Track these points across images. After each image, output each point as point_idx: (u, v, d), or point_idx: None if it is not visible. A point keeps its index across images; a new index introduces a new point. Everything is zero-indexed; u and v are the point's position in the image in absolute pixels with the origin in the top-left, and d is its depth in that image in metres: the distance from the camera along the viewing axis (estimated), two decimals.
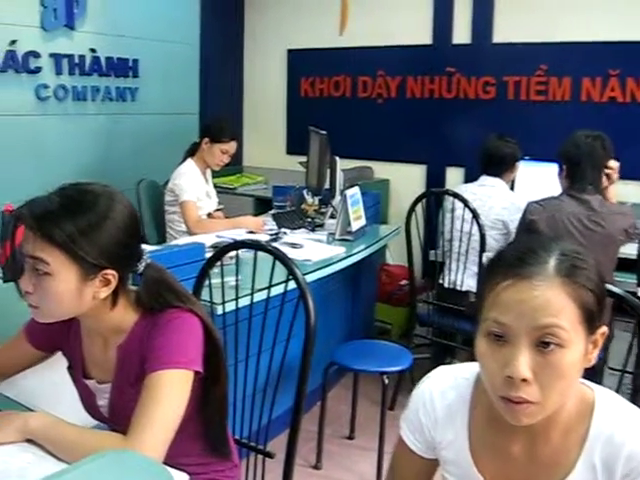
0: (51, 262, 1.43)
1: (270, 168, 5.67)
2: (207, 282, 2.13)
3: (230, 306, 2.22)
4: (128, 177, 4.54)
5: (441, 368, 1.39)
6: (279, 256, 1.98)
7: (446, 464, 1.34)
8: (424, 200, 3.94)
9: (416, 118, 5.09)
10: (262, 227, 3.77)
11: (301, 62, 5.60)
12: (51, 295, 1.46)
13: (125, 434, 1.44)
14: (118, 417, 1.63)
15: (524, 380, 1.09)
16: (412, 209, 3.80)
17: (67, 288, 1.46)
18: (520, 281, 1.10)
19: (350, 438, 3.61)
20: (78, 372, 1.70)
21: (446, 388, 1.33)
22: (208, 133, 4.01)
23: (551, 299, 1.08)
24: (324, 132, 3.93)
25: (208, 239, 3.31)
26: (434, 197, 4.02)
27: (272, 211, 4.32)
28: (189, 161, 4.03)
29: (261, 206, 5.14)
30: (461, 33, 4.90)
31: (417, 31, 5.04)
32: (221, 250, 2.09)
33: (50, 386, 1.98)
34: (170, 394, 1.46)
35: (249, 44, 5.90)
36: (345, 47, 5.29)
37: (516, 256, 1.14)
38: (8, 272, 2.44)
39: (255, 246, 2.05)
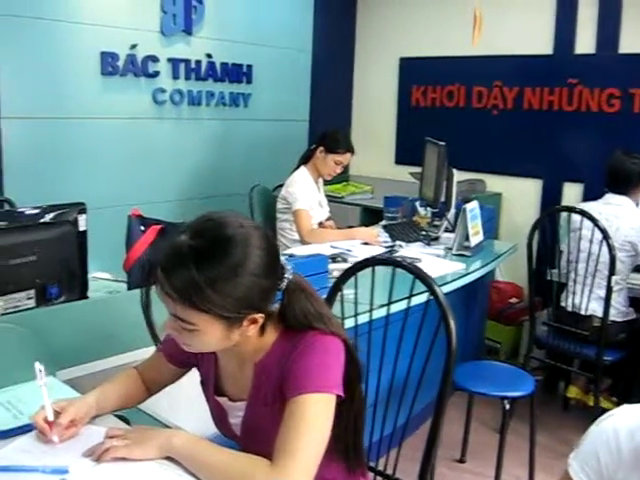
0: (196, 322, 1.38)
1: (377, 178, 5.57)
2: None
3: (351, 322, 2.14)
4: (239, 182, 4.58)
5: (627, 406, 1.26)
6: (419, 274, 1.87)
7: None
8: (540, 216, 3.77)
9: (533, 131, 4.89)
10: (377, 239, 3.67)
11: (413, 70, 5.48)
12: (199, 343, 1.45)
13: (257, 453, 1.37)
14: (250, 436, 1.57)
15: None
16: (536, 226, 3.64)
17: (215, 338, 1.42)
18: None
19: (461, 461, 3.47)
20: (210, 388, 1.64)
21: (635, 428, 1.20)
22: (323, 142, 3.94)
23: None
24: (443, 143, 3.80)
25: (322, 249, 3.24)
26: (556, 214, 3.84)
27: (383, 222, 4.22)
28: (302, 169, 3.98)
29: (368, 216, 5.05)
30: (585, 42, 4.67)
31: (537, 40, 4.84)
32: (356, 266, 2.00)
33: (170, 398, 1.93)
34: (316, 419, 1.38)
35: (360, 51, 5.82)
36: (460, 56, 5.14)
37: None
38: (133, 280, 2.42)
39: (393, 263, 1.95)
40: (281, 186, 4.18)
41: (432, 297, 1.86)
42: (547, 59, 4.81)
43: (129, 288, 2.43)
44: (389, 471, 2.04)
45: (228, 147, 4.75)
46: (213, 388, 1.62)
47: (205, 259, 1.34)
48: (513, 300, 4.80)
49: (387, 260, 2.02)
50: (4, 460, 1.44)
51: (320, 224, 4.01)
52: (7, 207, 3.48)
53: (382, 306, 2.15)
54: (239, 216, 1.44)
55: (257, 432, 1.53)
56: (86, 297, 2.23)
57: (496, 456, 3.06)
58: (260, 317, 1.43)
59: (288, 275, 1.47)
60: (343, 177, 5.63)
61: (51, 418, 1.49)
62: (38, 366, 1.51)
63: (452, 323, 1.80)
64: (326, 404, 1.40)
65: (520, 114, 4.95)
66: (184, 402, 1.99)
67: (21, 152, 3.73)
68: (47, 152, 3.84)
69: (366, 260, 2.02)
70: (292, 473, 1.31)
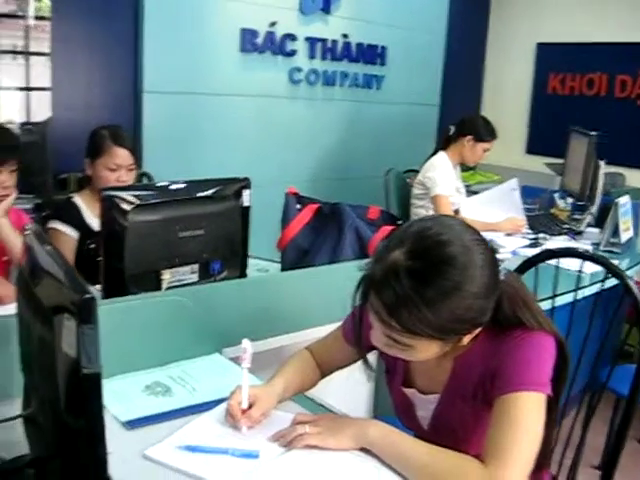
0: (411, 344, 1.29)
1: (505, 167, 5.36)
2: None
3: None
4: (369, 165, 4.53)
5: None
6: (613, 270, 1.73)
7: None
8: None
9: None
10: (522, 231, 3.52)
11: (551, 57, 5.25)
12: (411, 357, 1.35)
13: (450, 448, 1.28)
14: (440, 430, 1.47)
15: None
16: None
17: (429, 353, 1.33)
18: None
19: (599, 468, 3.28)
20: (397, 379, 1.55)
21: None
22: (472, 130, 3.78)
23: None
24: (594, 133, 3.60)
25: None
26: None
27: None
28: (442, 154, 3.85)
29: None
30: None
31: None
32: (541, 255, 1.88)
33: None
34: (530, 419, 1.28)
35: (495, 35, 5.62)
36: (603, 42, 4.88)
37: None
38: (288, 259, 2.36)
39: (582, 256, 1.82)
40: (411, 171, 4.08)
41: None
42: None
43: (283, 268, 2.37)
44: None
45: (359, 129, 4.67)
46: (401, 379, 1.53)
47: (423, 283, 1.23)
48: None
49: (575, 252, 1.88)
50: (187, 439, 1.40)
51: (456, 212, 3.88)
52: (145, 181, 3.50)
53: (547, 299, 2.05)
54: (458, 230, 1.29)
55: (448, 426, 1.45)
56: (245, 275, 2.17)
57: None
58: (478, 330, 1.33)
59: (502, 277, 1.35)
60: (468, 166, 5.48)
61: (245, 406, 1.43)
62: (245, 345, 1.45)
63: None
64: (539, 403, 1.29)
65: None
66: (334, 383, 1.91)
67: (160, 126, 3.76)
68: (185, 126, 3.85)
69: (549, 251, 1.90)
70: (508, 477, 1.21)
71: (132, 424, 1.47)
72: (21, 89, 3.62)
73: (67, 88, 3.54)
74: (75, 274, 0.99)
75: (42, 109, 3.57)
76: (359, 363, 1.58)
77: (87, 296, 0.91)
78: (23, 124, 3.55)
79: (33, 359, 1.15)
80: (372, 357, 1.64)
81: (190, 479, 1.27)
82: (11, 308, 1.61)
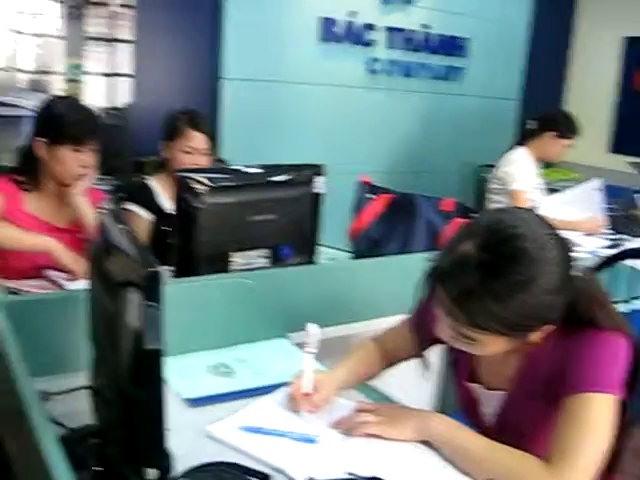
0: (477, 338, 1.26)
1: (586, 165, 5.20)
2: None
3: None
4: (445, 158, 4.47)
5: None
6: None
7: None
8: None
9: None
10: (600, 231, 3.42)
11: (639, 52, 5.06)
12: (477, 351, 1.32)
13: (514, 447, 1.25)
14: (505, 428, 1.43)
15: None
16: None
17: (496, 348, 1.30)
18: None
19: None
20: (463, 373, 1.52)
21: None
22: (555, 126, 3.69)
23: None
24: None
25: None
26: None
27: None
28: (521, 149, 3.76)
29: None
30: None
31: None
32: (614, 257, 1.81)
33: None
34: (600, 422, 1.23)
35: (582, 28, 5.45)
36: None
37: None
38: (359, 248, 2.34)
39: None
40: (488, 166, 4.01)
41: None
42: None
43: (356, 257, 2.36)
44: None
45: (436, 122, 4.62)
46: (467, 373, 1.50)
47: (492, 277, 1.19)
48: None
49: None
50: (248, 420, 1.41)
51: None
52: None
53: (622, 302, 1.98)
54: (533, 224, 1.25)
55: (513, 424, 1.40)
56: (314, 262, 2.17)
57: None
58: (548, 328, 1.29)
59: (577, 272, 1.30)
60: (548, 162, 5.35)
61: (307, 391, 1.44)
62: (312, 329, 1.45)
63: None
64: (609, 406, 1.25)
65: None
66: (399, 376, 1.89)
67: (238, 112, 3.81)
68: (262, 114, 3.88)
69: (627, 250, 1.83)
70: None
71: (194, 402, 1.49)
72: (105, 75, 3.69)
73: (149, 75, 3.62)
74: (147, 252, 1.00)
75: (124, 94, 3.65)
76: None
77: (153, 270, 0.93)
78: (106, 108, 3.63)
79: (101, 332, 1.17)
80: (435, 354, 1.62)
81: (248, 459, 1.28)
82: (82, 284, 1.65)
